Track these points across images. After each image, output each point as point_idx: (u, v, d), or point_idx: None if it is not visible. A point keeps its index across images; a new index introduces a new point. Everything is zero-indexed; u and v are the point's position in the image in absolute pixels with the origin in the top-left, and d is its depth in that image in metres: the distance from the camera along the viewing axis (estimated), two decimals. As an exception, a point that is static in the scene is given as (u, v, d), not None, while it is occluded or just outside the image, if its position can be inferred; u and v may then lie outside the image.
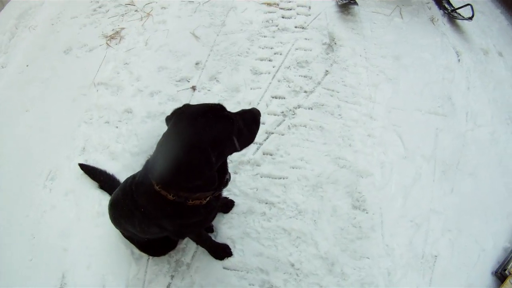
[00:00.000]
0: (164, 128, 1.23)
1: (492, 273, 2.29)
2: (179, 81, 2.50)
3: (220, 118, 1.09)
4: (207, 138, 1.03)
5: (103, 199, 1.89)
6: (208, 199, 1.22)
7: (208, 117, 1.06)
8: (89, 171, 1.93)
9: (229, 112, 1.15)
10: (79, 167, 1.95)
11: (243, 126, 1.14)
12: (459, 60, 3.43)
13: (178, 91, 2.44)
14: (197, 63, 2.59)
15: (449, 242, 2.36)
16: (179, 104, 2.42)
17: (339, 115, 2.62)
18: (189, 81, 2.51)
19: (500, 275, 2.27)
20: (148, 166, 1.19)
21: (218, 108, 1.12)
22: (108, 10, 2.97)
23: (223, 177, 1.24)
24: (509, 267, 2.29)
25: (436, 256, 2.29)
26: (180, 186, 1.11)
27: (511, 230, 2.48)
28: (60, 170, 2.07)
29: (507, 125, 3.05)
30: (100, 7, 3.01)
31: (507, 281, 2.23)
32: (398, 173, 2.34)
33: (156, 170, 1.11)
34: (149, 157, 1.24)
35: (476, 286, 2.22)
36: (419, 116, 2.90)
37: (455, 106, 3.03)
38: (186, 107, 1.13)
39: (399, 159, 2.39)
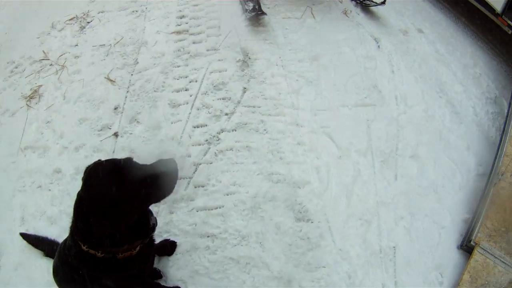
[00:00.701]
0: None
1: (457, 247, 2.85)
2: (101, 130, 3.15)
3: (126, 176, 1.38)
4: (113, 197, 1.33)
5: (50, 267, 2.34)
6: (138, 248, 1.57)
7: (114, 176, 1.36)
8: (31, 240, 2.41)
9: (139, 165, 1.49)
10: (21, 237, 2.43)
11: (155, 180, 1.42)
12: (378, 47, 4.62)
13: (101, 140, 3.06)
14: (115, 108, 3.29)
15: (405, 229, 3.15)
16: (104, 155, 3.14)
17: (264, 130, 3.31)
18: (110, 128, 3.15)
19: (466, 247, 2.75)
20: (72, 227, 1.53)
21: (126, 165, 1.44)
22: (25, 69, 3.72)
23: (147, 225, 1.61)
24: (473, 237, 3.11)
25: (394, 247, 2.86)
26: (101, 243, 1.43)
27: (467, 200, 3.38)
28: (5, 245, 2.54)
29: (439, 98, 4.13)
30: (16, 67, 3.78)
31: (475, 251, 2.69)
32: (336, 174, 3.09)
33: (78, 231, 1.46)
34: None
35: (445, 265, 2.95)
36: (347, 112, 3.88)
37: (383, 93, 4.08)
38: (96, 165, 1.45)
39: (334, 160, 3.18)
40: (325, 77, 4.05)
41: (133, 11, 4.27)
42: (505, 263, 2.90)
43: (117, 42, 3.89)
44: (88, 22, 4.15)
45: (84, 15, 4.28)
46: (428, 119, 3.58)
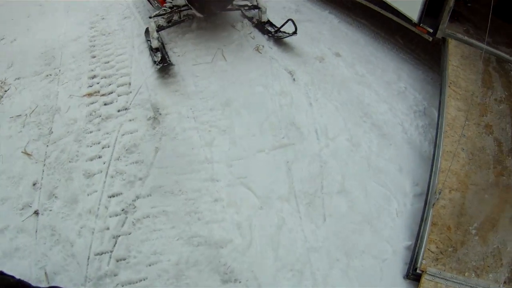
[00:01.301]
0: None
1: (404, 277, 3.19)
2: (22, 209, 3.55)
3: None
4: None
5: None
6: None
7: None
8: None
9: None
10: None
11: None
12: (294, 80, 5.45)
13: (23, 220, 3.45)
14: (34, 184, 3.72)
15: (341, 272, 3.49)
16: (28, 235, 3.47)
17: (180, 190, 3.69)
18: (31, 206, 3.56)
19: (413, 276, 3.07)
20: None
21: None
22: None
23: None
24: (418, 264, 3.22)
25: (334, 292, 3.39)
26: None
27: (407, 226, 3.96)
28: None
29: (363, 123, 4.74)
30: None
31: (422, 279, 3.00)
32: (259, 226, 3.36)
33: None
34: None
35: (393, 298, 3.24)
36: (264, 157, 4.52)
37: (301, 130, 4.70)
38: None
39: (255, 212, 3.52)
40: (239, 123, 4.52)
41: (47, 75, 4.93)
42: (459, 283, 3.24)
43: (33, 111, 4.43)
44: (6, 91, 4.68)
45: (1, 83, 4.80)
46: (353, 148, 4.04)
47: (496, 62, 4.95)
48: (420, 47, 5.53)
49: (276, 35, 5.72)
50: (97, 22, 5.96)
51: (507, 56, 5.21)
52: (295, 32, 5.46)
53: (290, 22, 5.40)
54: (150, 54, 5.06)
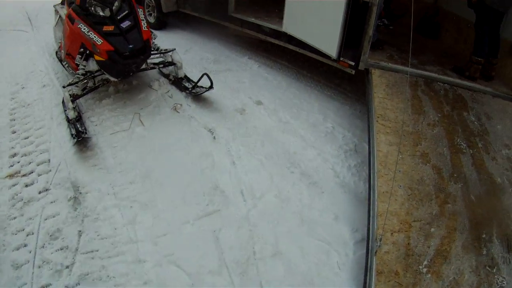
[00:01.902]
0: None
1: None
2: None
3: None
4: None
5: None
6: None
7: None
8: None
9: None
10: None
11: None
12: (214, 138, 5.45)
13: None
14: None
15: None
16: None
17: (108, 276, 3.45)
18: None
19: None
20: None
21: None
22: None
23: None
24: None
25: None
26: None
27: (352, 278, 3.60)
28: None
29: (291, 174, 4.87)
30: None
31: None
32: None
33: None
34: None
35: None
36: (190, 229, 4.46)
37: (226, 193, 4.70)
38: None
39: None
40: (160, 194, 4.54)
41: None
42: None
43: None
44: None
45: None
46: (283, 204, 4.03)
47: (424, 84, 5.20)
48: (344, 81, 5.77)
49: (193, 92, 5.88)
50: (17, 92, 6.03)
51: (434, 75, 5.50)
52: (211, 87, 5.64)
53: (205, 76, 5.64)
54: (68, 126, 5.02)
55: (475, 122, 4.66)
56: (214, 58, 7.05)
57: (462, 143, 4.33)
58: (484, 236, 3.48)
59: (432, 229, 3.54)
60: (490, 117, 4.78)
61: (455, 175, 3.91)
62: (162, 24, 8.86)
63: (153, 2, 8.22)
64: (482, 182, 3.89)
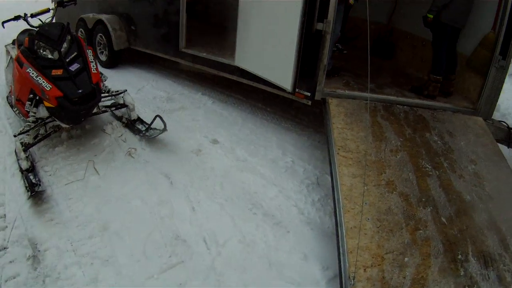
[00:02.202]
0: None
1: None
2: None
3: None
4: None
5: None
6: None
7: None
8: None
9: None
10: None
11: None
12: (171, 183, 5.32)
13: None
14: None
15: None
16: None
17: None
18: None
19: None
20: None
21: None
22: None
23: None
24: None
25: None
26: None
27: None
28: None
29: (254, 215, 4.65)
30: None
31: None
32: None
33: None
34: None
35: None
36: (154, 284, 4.28)
37: (188, 242, 4.42)
38: None
39: None
40: (121, 248, 4.36)
41: None
42: None
43: None
44: None
45: None
46: (248, 249, 3.87)
47: (384, 109, 5.19)
48: (301, 111, 5.77)
49: (147, 134, 5.76)
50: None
51: (393, 98, 5.52)
52: (165, 129, 5.51)
53: (157, 118, 5.57)
54: (22, 177, 4.76)
55: (438, 142, 4.68)
56: (167, 96, 6.93)
57: (427, 165, 4.33)
58: (459, 256, 3.50)
59: (406, 259, 3.51)
60: (453, 134, 4.82)
61: (423, 199, 3.90)
62: (114, 62, 8.71)
63: (104, 39, 8.37)
64: (451, 202, 3.91)
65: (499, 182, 4.26)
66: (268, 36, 5.03)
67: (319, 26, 4.60)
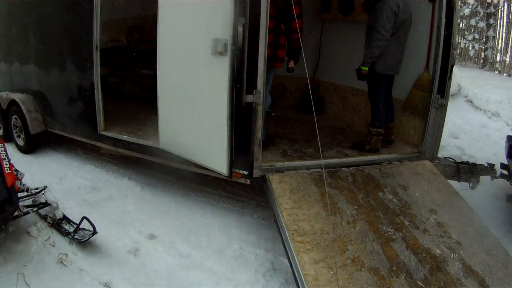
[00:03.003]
0: None
1: None
2: None
3: None
4: None
5: None
6: None
7: None
8: None
9: None
10: None
11: None
12: (112, 289, 4.48)
13: None
14: None
15: None
16: None
17: None
18: None
19: None
20: None
21: None
22: None
23: None
24: None
25: None
26: None
27: None
28: None
29: None
30: None
31: None
32: None
33: None
34: None
35: None
36: None
37: None
38: None
39: None
40: None
41: None
42: None
43: None
44: None
45: None
46: None
47: (329, 176, 4.76)
48: (238, 186, 5.33)
49: (76, 237, 5.00)
50: None
51: (335, 161, 5.13)
52: (94, 232, 4.80)
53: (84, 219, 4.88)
54: None
55: (394, 200, 4.51)
56: (92, 184, 6.25)
57: (389, 229, 4.10)
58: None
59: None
60: (406, 187, 4.68)
61: (394, 268, 3.62)
62: (32, 146, 7.67)
63: (20, 122, 7.32)
64: (422, 262, 3.70)
65: (463, 224, 4.18)
66: (194, 115, 4.56)
67: (249, 98, 4.23)
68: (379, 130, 5.18)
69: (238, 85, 4.25)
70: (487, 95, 9.52)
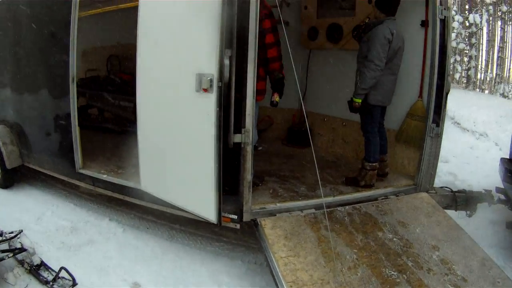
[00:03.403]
0: None
1: None
2: None
3: None
4: None
5: None
6: None
7: None
8: None
9: None
10: None
11: None
12: None
13: None
14: None
15: None
16: None
17: None
18: None
19: None
20: None
21: None
22: None
23: None
24: None
25: None
26: None
27: None
28: None
29: None
30: None
31: None
32: None
33: None
34: None
35: None
36: None
37: None
38: None
39: None
40: None
41: None
42: None
43: None
44: None
45: None
46: None
47: (325, 217, 4.30)
48: (226, 228, 4.86)
49: (54, 287, 4.56)
50: None
51: (329, 200, 4.71)
52: (74, 283, 4.41)
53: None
54: None
55: (394, 239, 4.25)
56: (72, 225, 5.79)
57: (392, 272, 3.84)
58: None
59: None
60: (405, 223, 4.45)
61: None
62: (9, 181, 7.11)
63: None
64: None
65: (466, 258, 3.96)
66: (177, 157, 4.21)
67: (237, 138, 3.88)
68: (374, 164, 4.90)
69: (225, 125, 3.89)
70: (474, 116, 9.39)
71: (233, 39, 3.62)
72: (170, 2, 3.81)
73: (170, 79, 3.98)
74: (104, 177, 5.57)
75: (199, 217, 4.33)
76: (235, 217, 4.28)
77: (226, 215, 4.26)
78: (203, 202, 4.11)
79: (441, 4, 4.82)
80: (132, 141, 5.06)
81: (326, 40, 6.65)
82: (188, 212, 4.46)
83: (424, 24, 5.21)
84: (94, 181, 5.76)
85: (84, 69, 8.63)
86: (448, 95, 5.06)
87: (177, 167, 4.35)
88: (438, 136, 5.16)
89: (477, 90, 12.86)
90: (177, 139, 4.22)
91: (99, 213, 6.11)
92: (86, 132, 6.30)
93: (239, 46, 3.65)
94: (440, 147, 5.30)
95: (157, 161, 4.56)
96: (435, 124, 5.06)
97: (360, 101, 4.73)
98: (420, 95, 5.41)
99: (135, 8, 4.34)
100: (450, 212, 4.88)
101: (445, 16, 4.86)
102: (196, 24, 3.64)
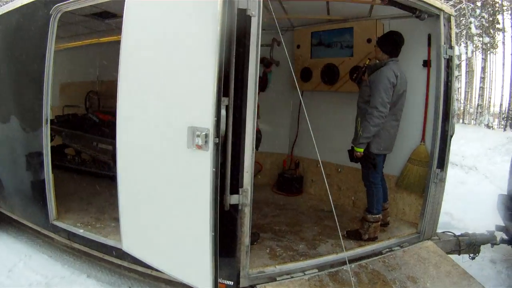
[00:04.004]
0: None
1: None
2: None
3: None
4: None
5: None
6: None
7: None
8: None
9: None
10: None
11: None
12: None
13: None
14: None
15: None
16: None
17: None
18: None
19: None
20: None
21: None
22: None
23: None
24: None
25: None
26: None
27: None
28: None
29: None
30: None
31: None
32: None
33: None
34: None
35: None
36: None
37: None
38: None
39: None
40: None
41: None
42: None
43: None
44: None
45: None
46: None
47: (331, 279, 3.91)
48: None
49: None
50: None
51: (331, 258, 4.28)
52: None
53: None
54: None
55: None
56: (46, 281, 5.20)
57: None
58: None
59: None
60: (415, 278, 4.14)
61: None
62: None
63: None
64: None
65: None
66: (165, 218, 3.61)
67: (234, 199, 3.37)
68: (377, 216, 4.57)
69: (221, 186, 3.29)
70: (462, 150, 9.14)
71: (231, 86, 3.14)
72: (157, 39, 3.22)
73: (156, 131, 3.40)
74: (81, 232, 4.99)
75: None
76: (230, 283, 3.75)
77: (221, 281, 3.72)
78: (196, 273, 3.52)
79: (445, 43, 4.55)
80: (112, 188, 4.51)
81: (320, 82, 6.28)
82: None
83: (427, 64, 4.96)
84: (70, 235, 5.19)
85: (62, 105, 8.05)
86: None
87: (164, 231, 3.73)
88: (442, 182, 4.87)
89: (460, 121, 12.66)
90: (166, 199, 3.59)
91: (75, 267, 5.52)
92: (62, 173, 5.95)
93: (237, 93, 3.17)
94: (443, 193, 5.00)
95: (143, 221, 3.91)
96: (439, 169, 4.76)
97: (362, 150, 4.40)
98: (423, 139, 5.11)
99: (118, 43, 3.68)
100: (453, 256, 4.79)
101: (450, 56, 4.57)
102: (188, 67, 3.16)
